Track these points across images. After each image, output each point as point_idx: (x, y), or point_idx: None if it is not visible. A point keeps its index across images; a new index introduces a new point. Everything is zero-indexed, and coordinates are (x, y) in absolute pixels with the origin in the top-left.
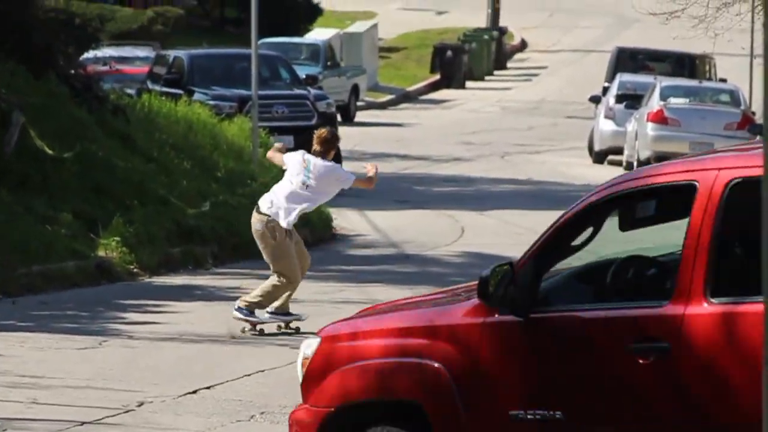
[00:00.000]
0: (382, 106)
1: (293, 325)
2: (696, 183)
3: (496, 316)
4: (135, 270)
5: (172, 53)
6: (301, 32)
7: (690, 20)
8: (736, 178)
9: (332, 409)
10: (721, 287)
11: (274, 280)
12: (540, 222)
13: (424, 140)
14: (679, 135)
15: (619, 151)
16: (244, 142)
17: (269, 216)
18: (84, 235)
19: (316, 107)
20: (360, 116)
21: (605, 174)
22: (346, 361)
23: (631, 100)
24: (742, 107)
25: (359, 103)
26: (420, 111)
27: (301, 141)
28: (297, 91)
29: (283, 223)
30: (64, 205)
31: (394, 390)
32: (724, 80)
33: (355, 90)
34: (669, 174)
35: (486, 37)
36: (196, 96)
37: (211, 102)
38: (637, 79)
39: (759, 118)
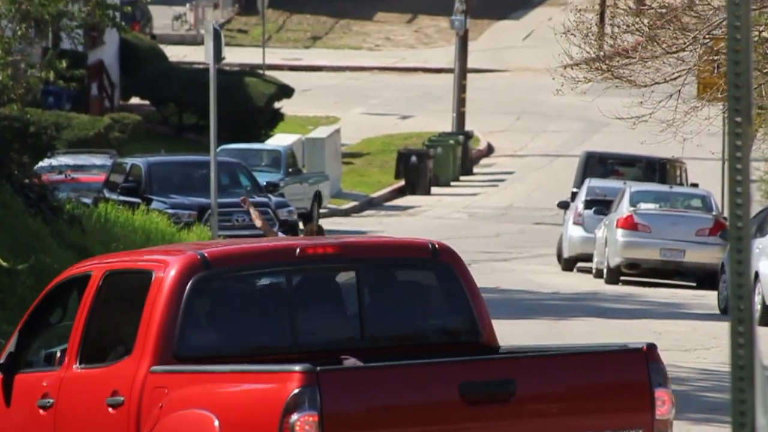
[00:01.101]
0: (346, 213)
1: None
2: (91, 272)
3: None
4: None
5: (129, 161)
6: (262, 138)
7: (659, 124)
8: (108, 270)
9: None
10: (87, 355)
11: None
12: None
13: None
14: (650, 241)
15: (588, 258)
16: None
17: None
18: None
19: (277, 215)
20: (323, 223)
21: (575, 281)
22: None
23: (601, 205)
24: (714, 213)
25: (322, 210)
26: (384, 218)
27: None
28: (258, 199)
29: None
30: (19, 319)
31: None
32: (695, 185)
33: (317, 197)
34: (80, 269)
35: (451, 141)
36: (154, 204)
37: (170, 210)
38: (607, 184)
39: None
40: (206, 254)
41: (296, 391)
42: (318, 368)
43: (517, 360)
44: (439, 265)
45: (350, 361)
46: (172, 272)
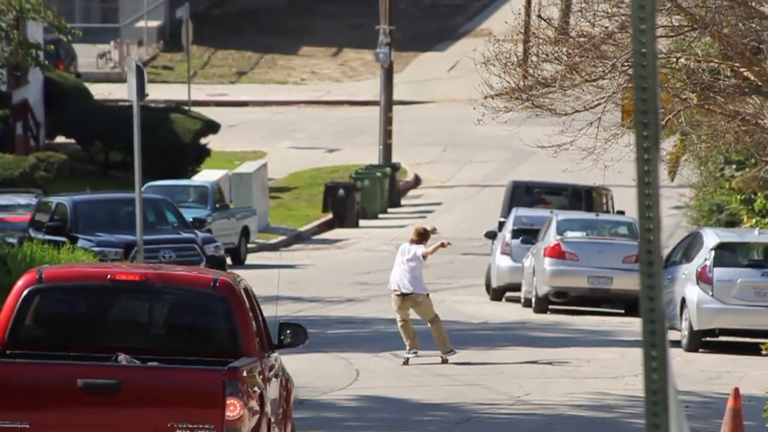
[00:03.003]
0: (274, 247)
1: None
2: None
3: None
4: None
5: (54, 200)
6: (189, 174)
7: (580, 152)
8: None
9: None
10: None
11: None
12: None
13: (317, 281)
14: (578, 269)
15: (517, 287)
16: None
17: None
18: None
19: (204, 251)
20: (251, 258)
21: (503, 311)
22: None
23: (528, 234)
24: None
25: (250, 245)
26: (312, 251)
27: None
28: (184, 235)
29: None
30: None
31: None
32: (622, 212)
33: (245, 232)
34: None
35: (378, 174)
36: (80, 243)
37: (96, 248)
38: (533, 213)
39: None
40: (43, 272)
41: None
42: None
43: (124, 367)
44: (216, 295)
45: (121, 357)
46: (18, 283)
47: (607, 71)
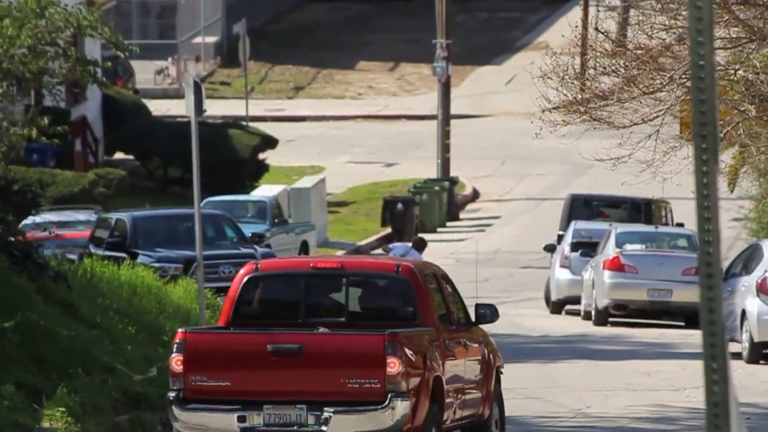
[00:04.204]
0: None
1: None
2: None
3: None
4: None
5: (114, 216)
6: (247, 189)
7: (638, 165)
8: None
9: None
10: None
11: None
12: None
13: None
14: (637, 282)
15: (576, 300)
16: (191, 304)
17: None
18: (27, 407)
19: None
20: None
21: (563, 324)
22: None
23: (587, 247)
24: None
25: None
26: None
27: None
28: (243, 250)
29: None
30: (6, 377)
31: None
32: (681, 224)
33: (304, 246)
34: None
35: (437, 188)
36: (140, 258)
37: (156, 264)
38: (592, 226)
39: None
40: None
41: None
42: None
43: (303, 334)
44: (398, 278)
45: (321, 329)
46: (240, 272)
47: (665, 83)
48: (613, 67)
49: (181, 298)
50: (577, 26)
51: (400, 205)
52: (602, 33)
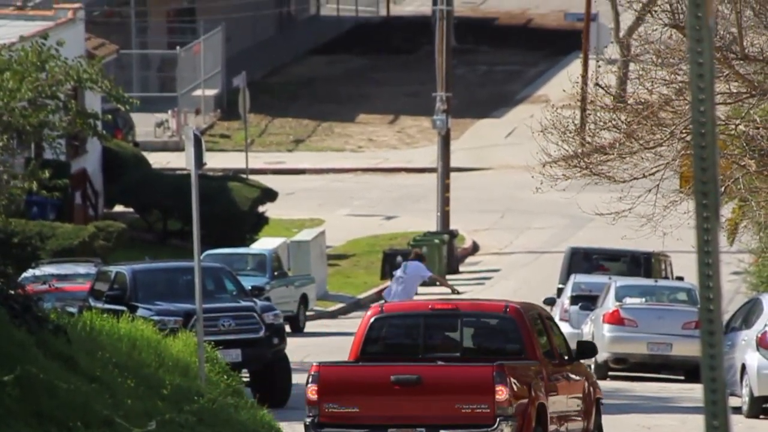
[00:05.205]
0: (333, 315)
1: None
2: None
3: None
4: None
5: (113, 269)
6: (247, 242)
7: (638, 219)
8: None
9: None
10: None
11: None
12: None
13: None
14: (637, 336)
15: None
16: (190, 358)
17: None
18: None
19: (263, 319)
20: (310, 326)
21: None
22: None
23: (586, 301)
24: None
25: (309, 313)
26: None
27: (249, 354)
28: (243, 303)
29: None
30: (6, 431)
31: None
32: (681, 278)
33: (304, 299)
34: None
35: (436, 240)
36: (140, 312)
37: (155, 317)
38: (592, 279)
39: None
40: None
41: None
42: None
43: (421, 366)
44: (506, 317)
45: (439, 363)
46: (367, 313)
47: (665, 138)
48: (613, 122)
49: (180, 352)
50: (577, 81)
51: (399, 258)
52: (602, 88)
